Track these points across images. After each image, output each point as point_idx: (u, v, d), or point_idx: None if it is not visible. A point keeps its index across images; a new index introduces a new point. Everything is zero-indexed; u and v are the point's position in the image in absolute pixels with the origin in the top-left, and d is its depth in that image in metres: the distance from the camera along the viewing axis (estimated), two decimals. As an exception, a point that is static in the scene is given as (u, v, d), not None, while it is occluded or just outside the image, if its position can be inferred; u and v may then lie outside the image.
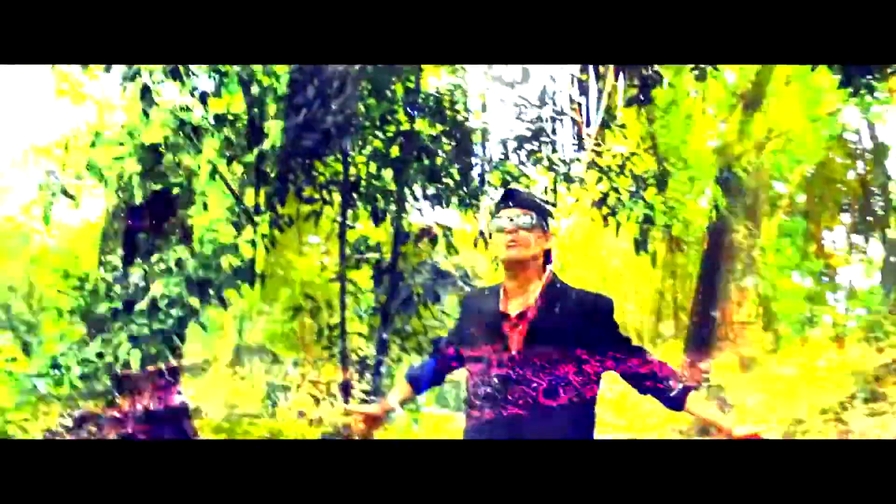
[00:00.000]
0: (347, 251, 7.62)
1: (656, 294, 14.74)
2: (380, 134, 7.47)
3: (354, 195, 7.76)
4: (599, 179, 7.54)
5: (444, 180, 7.79)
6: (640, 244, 7.11)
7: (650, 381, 2.80)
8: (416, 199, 7.62)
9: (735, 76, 10.92)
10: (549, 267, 2.92)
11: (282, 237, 11.37)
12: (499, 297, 2.94)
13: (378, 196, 7.49)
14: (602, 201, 7.43)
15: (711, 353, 11.64)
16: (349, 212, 7.86)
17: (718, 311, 11.81)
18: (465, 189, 7.72)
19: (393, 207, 7.49)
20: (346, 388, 7.64)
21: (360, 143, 7.60)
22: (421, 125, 7.99)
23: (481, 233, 7.73)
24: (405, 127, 7.74)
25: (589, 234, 16.55)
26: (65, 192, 6.07)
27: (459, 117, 7.88)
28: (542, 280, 2.87)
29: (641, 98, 6.50)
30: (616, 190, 7.41)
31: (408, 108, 7.74)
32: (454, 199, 7.83)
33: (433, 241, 7.91)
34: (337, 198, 7.95)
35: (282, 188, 7.42)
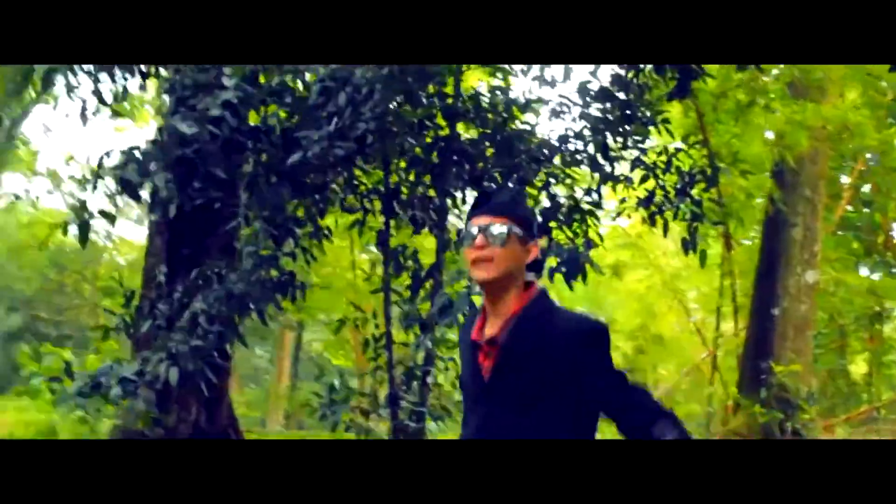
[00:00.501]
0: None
1: (716, 293, 14.39)
2: (413, 140, 7.32)
3: (395, 203, 7.65)
4: (645, 178, 7.29)
5: (486, 184, 7.63)
6: (688, 243, 6.84)
7: (638, 426, 2.38)
8: (456, 205, 7.46)
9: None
10: (535, 284, 2.57)
11: (329, 247, 11.33)
12: (475, 322, 2.60)
13: (416, 202, 7.36)
14: (649, 200, 7.18)
15: (772, 351, 11.29)
16: (391, 220, 7.75)
17: (778, 308, 11.45)
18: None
19: (433, 215, 7.37)
20: (394, 400, 7.52)
21: (398, 149, 7.48)
22: (461, 129, 7.85)
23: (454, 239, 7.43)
24: (444, 132, 7.60)
25: (643, 234, 16.25)
26: (101, 213, 6.05)
27: (500, 119, 7.70)
28: (521, 300, 2.51)
29: (682, 91, 6.25)
30: (662, 188, 7.15)
31: (446, 113, 7.60)
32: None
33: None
34: (379, 206, 7.86)
35: (321, 198, 7.35)
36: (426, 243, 8.65)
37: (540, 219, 7.31)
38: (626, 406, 2.40)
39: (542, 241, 2.66)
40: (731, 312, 13.75)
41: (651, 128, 7.29)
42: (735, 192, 10.34)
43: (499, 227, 2.47)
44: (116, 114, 7.18)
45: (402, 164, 7.71)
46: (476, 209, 2.58)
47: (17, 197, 19.32)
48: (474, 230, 2.49)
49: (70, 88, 6.25)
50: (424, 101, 7.19)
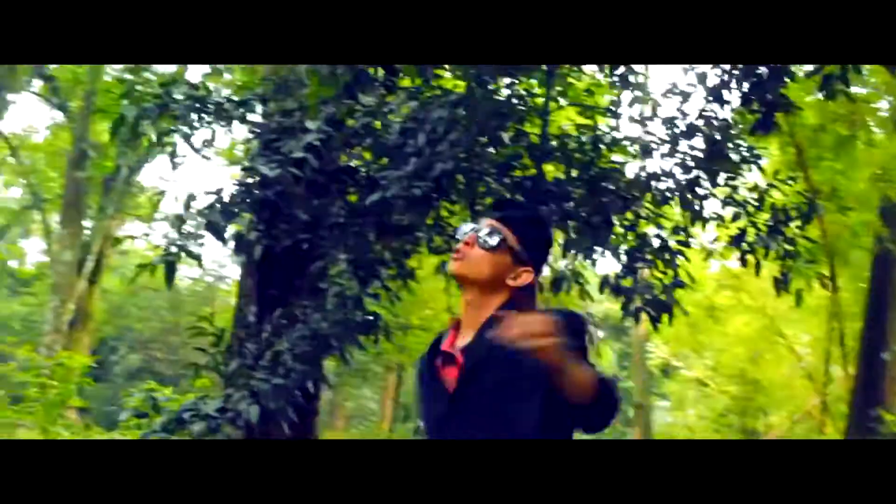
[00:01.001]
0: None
1: (825, 336, 13.80)
2: (499, 180, 7.29)
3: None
4: (737, 216, 7.06)
5: (571, 224, 7.53)
6: (781, 283, 6.57)
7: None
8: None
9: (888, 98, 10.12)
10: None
11: (427, 289, 11.33)
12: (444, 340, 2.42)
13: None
14: (740, 239, 6.94)
15: (883, 397, 10.71)
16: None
17: (888, 352, 10.87)
18: (594, 233, 7.42)
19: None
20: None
21: (482, 189, 7.46)
22: (548, 169, 7.78)
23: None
24: (531, 172, 7.55)
25: (741, 275, 15.67)
26: (188, 253, 6.21)
27: (587, 159, 7.61)
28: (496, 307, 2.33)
29: (767, 124, 6.04)
30: (755, 225, 6.90)
31: (532, 153, 7.56)
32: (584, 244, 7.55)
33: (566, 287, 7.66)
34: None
35: (406, 239, 7.37)
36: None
37: (625, 258, 7.18)
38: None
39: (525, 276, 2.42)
40: (841, 357, 13.13)
41: (744, 165, 7.10)
42: (839, 230, 9.90)
43: (492, 234, 2.36)
44: (206, 158, 7.37)
45: (489, 202, 7.67)
46: (494, 209, 2.55)
47: (118, 241, 20.08)
48: (469, 227, 2.45)
49: (159, 137, 6.46)
50: (508, 140, 7.17)
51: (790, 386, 18.33)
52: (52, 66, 23.61)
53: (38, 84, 24.28)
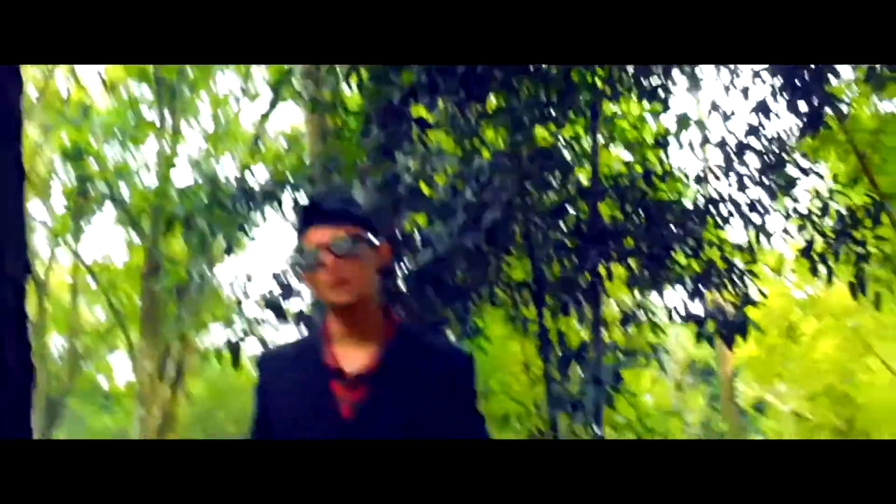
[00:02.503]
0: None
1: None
2: (552, 225, 7.21)
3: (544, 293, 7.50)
4: (802, 227, 6.86)
5: (633, 261, 7.40)
6: (857, 287, 6.32)
7: None
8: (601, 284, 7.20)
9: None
10: (391, 311, 2.25)
11: (492, 348, 11.19)
12: (317, 349, 2.17)
13: (560, 285, 7.19)
14: (809, 249, 6.73)
15: None
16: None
17: None
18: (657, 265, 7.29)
19: (580, 296, 7.17)
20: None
21: (539, 238, 7.40)
22: (603, 209, 7.69)
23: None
24: (584, 216, 7.48)
25: (831, 297, 15.09)
26: (253, 333, 6.24)
27: (639, 194, 7.51)
28: (383, 326, 2.17)
29: (814, 123, 5.88)
30: (822, 233, 6.69)
31: (584, 194, 7.50)
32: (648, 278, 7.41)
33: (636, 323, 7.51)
34: (528, 296, 7.73)
35: (464, 294, 7.30)
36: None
37: (692, 285, 7.00)
38: None
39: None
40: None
41: (803, 175, 6.93)
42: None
43: (346, 239, 2.10)
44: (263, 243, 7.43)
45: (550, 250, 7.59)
46: (308, 221, 2.15)
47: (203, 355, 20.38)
48: (313, 249, 2.09)
49: (212, 230, 6.54)
50: (555, 184, 7.12)
51: (891, 405, 17.53)
52: (124, 190, 24.38)
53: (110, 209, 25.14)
